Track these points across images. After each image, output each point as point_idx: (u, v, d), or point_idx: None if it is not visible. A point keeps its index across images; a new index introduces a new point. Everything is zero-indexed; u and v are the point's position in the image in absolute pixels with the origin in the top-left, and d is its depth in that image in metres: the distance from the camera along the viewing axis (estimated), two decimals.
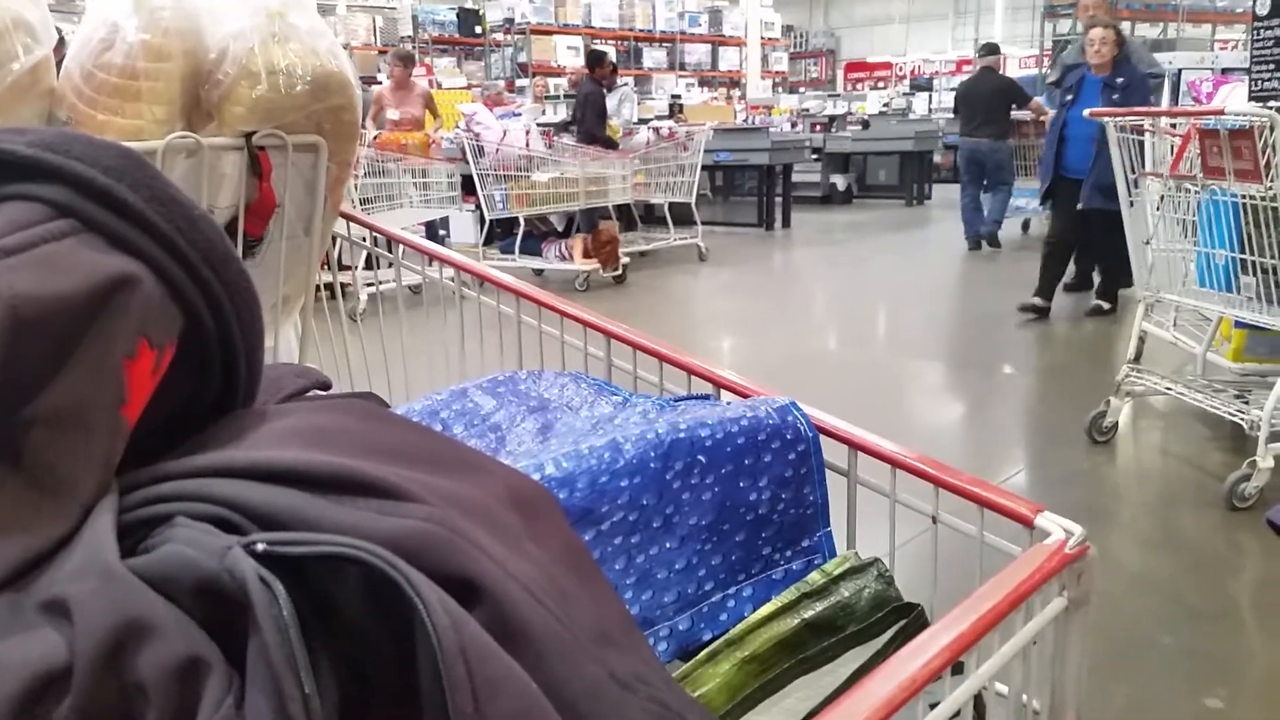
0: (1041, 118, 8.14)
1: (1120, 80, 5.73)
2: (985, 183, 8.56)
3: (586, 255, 7.58)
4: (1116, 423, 3.86)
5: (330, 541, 0.48)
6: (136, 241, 0.54)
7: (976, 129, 8.35)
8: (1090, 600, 0.79)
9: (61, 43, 1.32)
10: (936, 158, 13.88)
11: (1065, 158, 5.88)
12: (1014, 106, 8.47)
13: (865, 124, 13.67)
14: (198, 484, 0.52)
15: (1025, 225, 9.84)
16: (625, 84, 10.33)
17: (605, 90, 9.06)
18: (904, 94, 18.06)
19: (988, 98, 8.36)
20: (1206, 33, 16.79)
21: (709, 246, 8.77)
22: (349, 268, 4.83)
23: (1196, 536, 3.07)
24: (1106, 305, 6.05)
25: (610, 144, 8.68)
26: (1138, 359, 3.80)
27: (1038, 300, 5.98)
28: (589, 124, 8.77)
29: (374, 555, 0.47)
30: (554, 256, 7.71)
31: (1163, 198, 3.67)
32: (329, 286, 1.91)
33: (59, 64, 1.30)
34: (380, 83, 10.33)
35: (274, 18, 1.32)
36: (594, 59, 9.39)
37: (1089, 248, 6.21)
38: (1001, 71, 9.33)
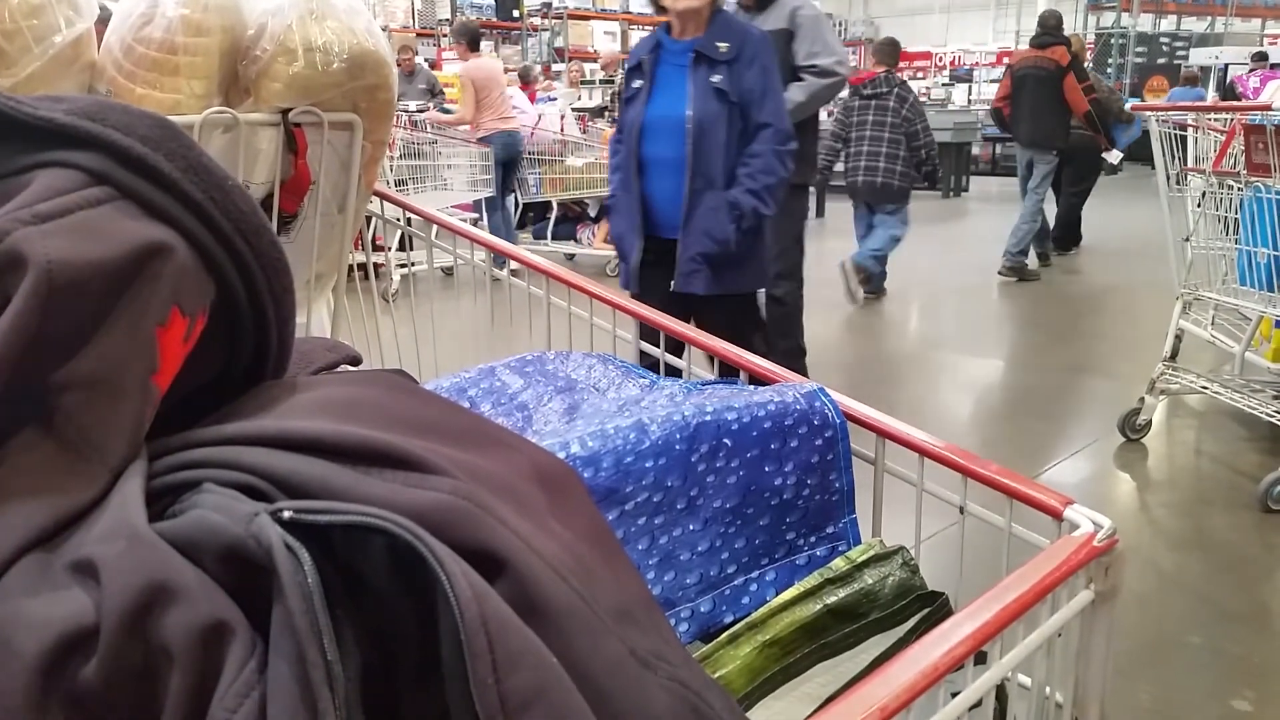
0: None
1: (725, 47, 2.86)
2: None
3: None
4: (1150, 420, 3.81)
5: (356, 511, 0.48)
6: (171, 210, 0.55)
7: None
8: (1118, 594, 0.78)
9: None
10: (975, 149, 13.71)
11: (650, 204, 2.98)
12: None
13: None
14: (227, 451, 0.53)
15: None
16: None
17: None
18: (943, 84, 17.87)
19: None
20: (1256, 27, 16.49)
21: None
22: (383, 248, 4.85)
23: (1229, 537, 3.04)
24: None
25: None
26: (1174, 356, 3.75)
27: None
28: None
29: (399, 526, 0.47)
30: (586, 240, 7.72)
31: (1204, 194, 3.61)
32: (362, 266, 1.92)
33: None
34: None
35: None
36: None
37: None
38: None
